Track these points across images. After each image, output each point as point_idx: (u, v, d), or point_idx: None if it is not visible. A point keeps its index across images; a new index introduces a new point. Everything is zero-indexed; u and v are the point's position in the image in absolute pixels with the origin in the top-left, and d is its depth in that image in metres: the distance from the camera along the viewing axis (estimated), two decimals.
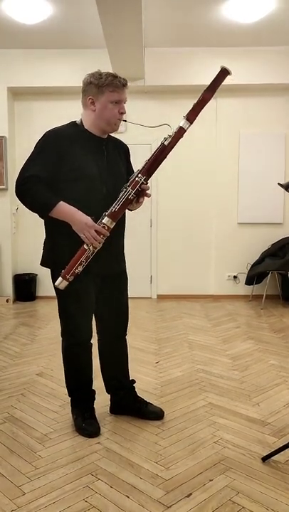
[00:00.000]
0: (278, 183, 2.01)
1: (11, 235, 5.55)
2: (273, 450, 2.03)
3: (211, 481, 1.88)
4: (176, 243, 5.71)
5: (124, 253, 2.34)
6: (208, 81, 5.83)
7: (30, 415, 2.50)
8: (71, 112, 5.59)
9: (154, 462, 2.03)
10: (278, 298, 5.59)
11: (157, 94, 5.53)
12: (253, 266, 5.49)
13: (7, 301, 5.46)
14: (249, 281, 5.50)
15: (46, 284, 5.72)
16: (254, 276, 5.41)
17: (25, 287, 5.63)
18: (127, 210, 2.19)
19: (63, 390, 2.79)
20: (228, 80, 6.05)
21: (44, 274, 5.70)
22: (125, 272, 2.37)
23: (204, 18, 4.47)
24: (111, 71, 5.49)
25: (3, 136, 5.37)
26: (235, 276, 5.75)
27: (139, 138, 4.94)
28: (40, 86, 5.36)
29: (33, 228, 5.71)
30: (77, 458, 2.07)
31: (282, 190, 2.04)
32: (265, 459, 2.02)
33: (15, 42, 5.05)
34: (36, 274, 5.71)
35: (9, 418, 2.47)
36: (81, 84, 5.99)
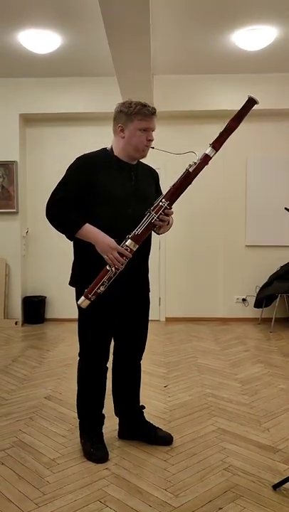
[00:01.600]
0: (285, 208, 2.03)
1: (21, 258, 5.60)
2: (284, 478, 1.99)
3: (220, 509, 1.85)
4: (184, 266, 5.72)
5: (148, 277, 2.38)
6: (215, 107, 5.97)
7: (38, 440, 2.49)
8: (80, 137, 5.75)
9: (163, 489, 2.00)
10: (287, 321, 5.54)
11: (165, 120, 5.62)
12: (261, 289, 5.47)
13: (16, 323, 5.48)
14: (258, 304, 5.47)
15: (55, 306, 5.74)
16: (263, 299, 5.39)
17: (34, 310, 5.64)
18: (155, 234, 2.27)
19: (72, 414, 2.78)
20: (233, 105, 6.08)
21: (53, 296, 5.74)
22: (148, 296, 2.40)
23: (211, 46, 4.59)
24: (120, 98, 5.62)
25: (14, 161, 5.48)
26: (243, 299, 5.73)
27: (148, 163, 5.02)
28: (51, 113, 5.49)
29: (43, 251, 5.78)
30: (85, 484, 2.05)
31: None
32: (276, 486, 1.99)
33: (27, 71, 5.21)
34: (45, 297, 5.73)
35: (17, 442, 2.45)
36: (91, 111, 6.12)
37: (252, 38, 4.33)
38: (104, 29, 3.53)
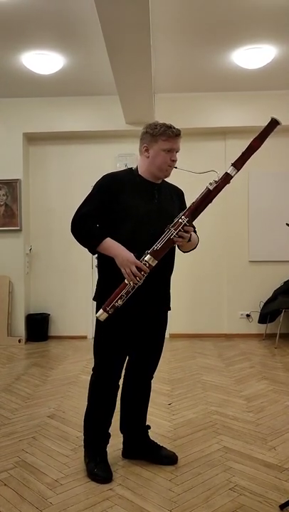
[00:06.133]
0: (287, 224, 2.04)
1: (24, 275, 5.61)
2: None
3: None
4: (188, 282, 5.71)
5: (169, 295, 2.38)
6: (216, 124, 6.00)
7: (41, 460, 2.46)
8: (83, 155, 5.80)
9: (168, 510, 1.97)
10: None
11: None
12: (265, 304, 5.45)
13: (19, 341, 5.46)
14: (262, 319, 5.44)
15: (59, 323, 5.72)
16: (267, 314, 5.36)
17: (37, 327, 5.62)
18: (180, 252, 2.31)
19: (75, 433, 2.76)
20: (234, 122, 6.17)
21: (57, 314, 5.73)
22: (166, 314, 2.39)
23: (212, 64, 4.66)
24: (122, 116, 5.68)
25: (18, 180, 5.54)
26: (248, 315, 5.70)
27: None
28: (54, 131, 5.57)
29: (46, 268, 5.79)
30: (88, 505, 2.01)
31: None
32: (282, 506, 1.95)
33: (31, 91, 5.30)
34: (49, 314, 5.72)
35: (20, 463, 2.42)
36: (93, 129, 6.18)
37: (251, 56, 4.40)
38: (106, 49, 3.60)
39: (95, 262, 2.42)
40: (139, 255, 2.11)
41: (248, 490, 2.12)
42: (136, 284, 2.09)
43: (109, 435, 2.35)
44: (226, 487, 2.15)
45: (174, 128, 2.21)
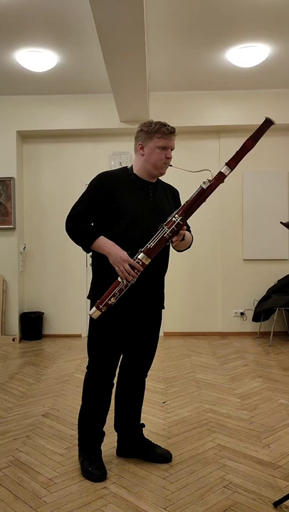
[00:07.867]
0: (280, 222, 2.04)
1: (18, 274, 5.59)
2: (285, 495, 1.96)
3: None
4: (182, 280, 5.72)
5: (163, 294, 2.38)
6: (210, 123, 6.00)
7: (35, 458, 2.45)
8: (77, 153, 5.79)
9: (163, 508, 1.97)
10: (286, 334, 5.53)
11: None
12: (259, 302, 5.46)
13: (13, 340, 5.44)
14: (256, 317, 5.46)
15: (53, 322, 5.72)
16: (261, 312, 5.38)
17: (31, 326, 5.61)
18: (175, 251, 2.32)
19: (69, 432, 2.75)
20: (228, 121, 6.17)
21: (51, 312, 5.71)
22: (160, 312, 2.39)
23: (206, 63, 4.66)
24: (116, 114, 5.67)
25: (11, 178, 5.51)
26: (242, 313, 5.72)
27: None
28: (47, 129, 5.55)
29: (40, 267, 5.77)
30: (83, 503, 2.01)
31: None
32: (276, 504, 1.96)
33: (25, 88, 5.28)
34: (43, 313, 5.70)
35: (14, 462, 2.42)
36: (87, 127, 6.18)
37: (245, 55, 4.40)
38: (101, 47, 3.59)
39: (89, 260, 2.42)
40: (133, 253, 2.11)
41: (242, 487, 2.13)
42: (129, 282, 2.09)
43: (103, 433, 2.35)
44: (220, 485, 2.15)
45: (169, 126, 2.21)
